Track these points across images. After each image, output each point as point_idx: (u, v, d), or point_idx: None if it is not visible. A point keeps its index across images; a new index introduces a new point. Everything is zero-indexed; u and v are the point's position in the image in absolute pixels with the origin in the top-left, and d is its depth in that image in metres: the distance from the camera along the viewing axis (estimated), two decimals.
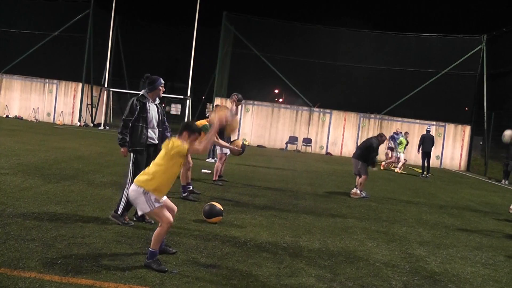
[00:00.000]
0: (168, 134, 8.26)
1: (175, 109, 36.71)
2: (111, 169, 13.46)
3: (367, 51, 33.61)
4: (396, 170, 23.59)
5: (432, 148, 22.80)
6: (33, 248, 5.99)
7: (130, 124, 7.74)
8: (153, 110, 7.95)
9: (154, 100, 8.00)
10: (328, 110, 32.93)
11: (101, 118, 35.75)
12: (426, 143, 22.51)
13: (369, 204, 12.33)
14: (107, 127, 34.62)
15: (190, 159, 10.90)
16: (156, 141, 8.06)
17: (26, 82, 35.59)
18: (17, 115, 35.22)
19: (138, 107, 7.76)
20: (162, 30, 38.20)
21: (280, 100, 51.23)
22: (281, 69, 33.49)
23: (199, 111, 36.09)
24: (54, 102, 35.22)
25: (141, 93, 7.97)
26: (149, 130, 7.92)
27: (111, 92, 36.26)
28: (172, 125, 11.61)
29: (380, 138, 13.64)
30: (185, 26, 35.65)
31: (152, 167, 5.92)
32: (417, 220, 10.90)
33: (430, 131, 23.30)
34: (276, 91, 50.56)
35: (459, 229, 10.38)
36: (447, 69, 31.87)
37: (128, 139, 7.75)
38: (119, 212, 7.66)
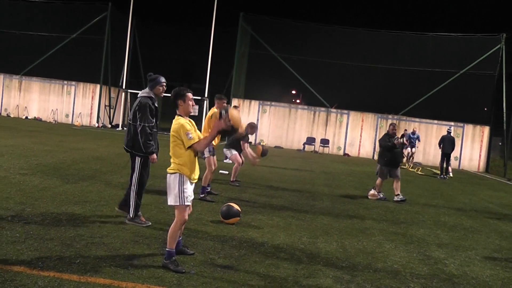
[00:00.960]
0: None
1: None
2: (129, 170, 13.47)
3: (384, 51, 33.42)
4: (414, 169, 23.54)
5: (453, 150, 22.51)
6: (52, 248, 6.04)
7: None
8: (157, 112, 7.95)
9: (155, 100, 7.91)
10: (345, 111, 32.82)
11: (118, 119, 35.95)
12: (446, 144, 22.26)
13: (386, 206, 12.27)
14: (124, 128, 34.77)
15: (215, 162, 11.01)
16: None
17: (45, 84, 35.88)
18: (36, 117, 35.52)
19: (153, 111, 7.74)
20: (179, 31, 38.30)
21: (297, 100, 51.21)
22: (298, 69, 33.44)
23: None
24: (73, 104, 35.47)
25: (145, 94, 7.81)
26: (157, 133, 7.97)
27: (128, 93, 36.41)
28: None
29: (388, 129, 13.59)
30: (202, 27, 35.75)
31: (173, 154, 5.94)
32: (435, 222, 10.83)
33: (450, 132, 23.04)
34: (293, 91, 50.56)
35: (478, 231, 10.29)
36: (465, 69, 31.59)
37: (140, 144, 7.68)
38: (131, 215, 7.70)
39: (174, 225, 5.86)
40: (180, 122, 5.87)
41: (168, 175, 5.95)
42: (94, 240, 6.52)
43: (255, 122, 32.09)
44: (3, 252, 5.72)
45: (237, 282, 5.53)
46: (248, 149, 12.95)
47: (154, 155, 7.69)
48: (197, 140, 5.85)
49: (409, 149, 25.17)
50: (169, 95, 6.26)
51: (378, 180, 13.30)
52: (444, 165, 22.44)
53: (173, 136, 5.89)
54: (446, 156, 22.28)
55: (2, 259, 5.49)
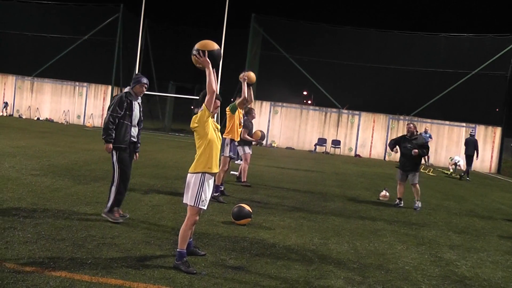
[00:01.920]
0: (139, 136, 8.29)
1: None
2: (140, 171, 13.54)
3: (396, 52, 33.31)
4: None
5: (475, 152, 22.53)
6: (63, 248, 6.07)
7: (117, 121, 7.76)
8: (136, 108, 8.04)
9: (137, 98, 8.04)
10: (356, 112, 32.75)
11: None
12: (469, 146, 22.32)
13: (398, 207, 12.22)
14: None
15: (229, 163, 11.15)
16: (136, 139, 8.13)
17: (57, 85, 36.08)
18: (48, 118, 35.71)
19: (125, 104, 7.81)
20: (190, 32, 38.28)
21: (309, 101, 51.15)
22: (309, 70, 33.40)
23: None
24: (84, 105, 35.64)
25: (126, 90, 8.01)
26: (132, 128, 8.00)
27: None
28: None
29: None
30: (214, 28, 35.76)
31: (197, 150, 6.00)
32: (447, 223, 10.78)
33: (474, 134, 23.22)
34: (305, 92, 50.50)
35: (490, 232, 10.23)
36: (477, 69, 31.40)
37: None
38: (106, 209, 7.73)
39: (184, 225, 5.88)
40: (195, 117, 5.97)
41: (189, 174, 5.97)
42: (106, 241, 6.55)
43: (267, 123, 32.25)
44: (15, 252, 5.75)
45: (248, 283, 5.53)
46: (247, 136, 12.95)
47: (110, 145, 7.72)
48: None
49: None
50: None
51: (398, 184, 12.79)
52: (464, 167, 22.59)
53: (197, 131, 5.98)
54: (468, 158, 22.39)
55: (14, 259, 5.52)
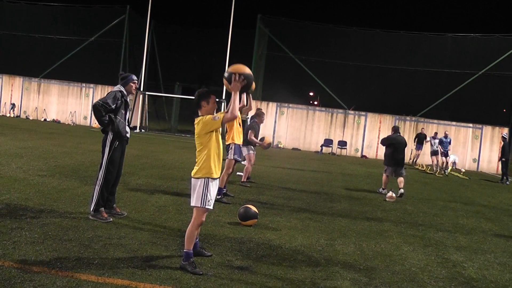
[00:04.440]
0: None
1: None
2: (147, 172, 13.56)
3: (402, 52, 33.27)
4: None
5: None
6: (70, 248, 6.08)
7: (113, 117, 7.76)
8: (128, 107, 8.08)
9: (127, 97, 8.06)
10: (363, 113, 32.69)
11: (136, 121, 36.14)
12: (507, 150, 22.72)
13: (404, 208, 12.19)
14: (142, 130, 34.99)
15: (235, 166, 11.20)
16: (129, 136, 8.20)
17: (63, 86, 36.19)
18: (55, 119, 35.83)
19: (120, 101, 7.81)
20: (197, 33, 38.42)
21: (315, 102, 51.16)
22: (316, 71, 33.39)
23: None
24: (91, 106, 35.67)
25: (117, 89, 7.96)
26: (126, 126, 8.05)
27: (146, 95, 36.61)
28: None
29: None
30: (220, 29, 35.84)
31: (197, 154, 5.97)
32: (454, 224, 10.74)
33: (506, 138, 23.48)
34: (311, 93, 50.48)
35: (497, 234, 10.18)
36: (484, 69, 31.31)
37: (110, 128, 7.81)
38: (92, 210, 7.72)
39: (191, 226, 5.88)
40: (201, 119, 5.91)
41: (193, 179, 5.97)
42: (112, 241, 6.56)
43: (273, 124, 32.26)
44: (22, 252, 5.77)
45: (254, 284, 5.53)
46: (254, 138, 12.87)
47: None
48: (223, 115, 5.87)
49: (443, 158, 24.76)
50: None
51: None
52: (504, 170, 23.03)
53: (198, 136, 5.93)
54: (506, 162, 22.77)
55: (21, 259, 5.54)
